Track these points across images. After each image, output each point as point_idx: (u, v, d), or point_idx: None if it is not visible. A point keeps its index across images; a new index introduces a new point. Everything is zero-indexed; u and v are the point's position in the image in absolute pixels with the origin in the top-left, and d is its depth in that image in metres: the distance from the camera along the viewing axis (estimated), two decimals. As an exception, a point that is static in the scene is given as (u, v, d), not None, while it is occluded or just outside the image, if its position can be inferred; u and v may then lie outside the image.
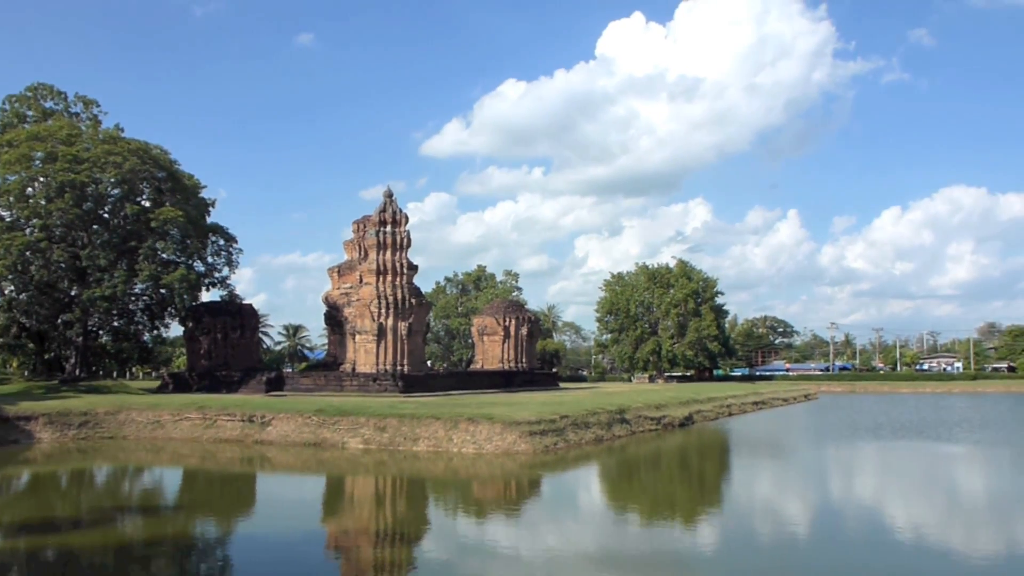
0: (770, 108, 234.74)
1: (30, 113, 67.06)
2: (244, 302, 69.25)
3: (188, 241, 62.72)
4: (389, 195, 62.77)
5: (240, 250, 69.63)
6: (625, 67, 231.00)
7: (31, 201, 58.16)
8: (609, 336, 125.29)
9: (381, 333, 58.85)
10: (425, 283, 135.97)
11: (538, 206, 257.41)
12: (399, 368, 58.50)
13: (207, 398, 47.04)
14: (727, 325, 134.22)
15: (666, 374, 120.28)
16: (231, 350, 64.81)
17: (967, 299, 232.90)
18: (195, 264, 65.04)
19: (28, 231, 57.58)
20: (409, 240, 61.78)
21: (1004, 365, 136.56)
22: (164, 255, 62.12)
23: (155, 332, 69.21)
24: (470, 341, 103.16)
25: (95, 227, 61.31)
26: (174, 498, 27.21)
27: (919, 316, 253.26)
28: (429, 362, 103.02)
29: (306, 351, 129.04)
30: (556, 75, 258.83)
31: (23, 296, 59.39)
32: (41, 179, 58.43)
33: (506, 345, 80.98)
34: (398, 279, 60.66)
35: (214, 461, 34.16)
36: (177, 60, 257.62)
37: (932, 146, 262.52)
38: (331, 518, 22.76)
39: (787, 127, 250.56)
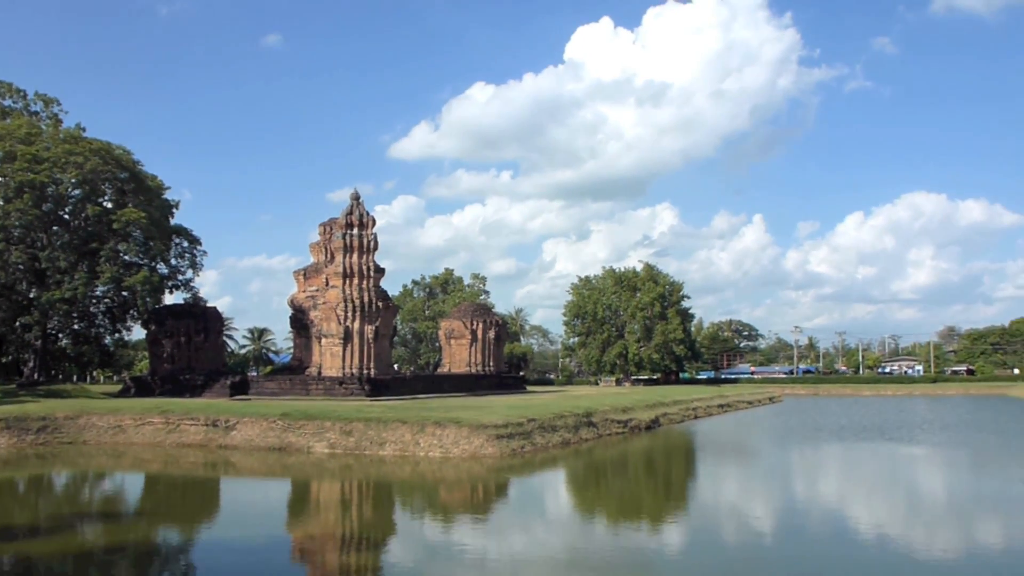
0: (736, 114, 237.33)
1: (-12, 111, 65.72)
2: (208, 305, 68.50)
3: (151, 243, 61.80)
4: (356, 197, 62.47)
5: (204, 252, 69.05)
6: (593, 72, 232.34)
7: (-12, 202, 57.02)
8: (576, 339, 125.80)
9: (347, 336, 58.49)
10: (392, 286, 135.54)
11: (506, 209, 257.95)
12: (365, 372, 58.17)
13: (170, 402, 46.36)
14: (693, 329, 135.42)
15: (632, 377, 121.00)
16: (195, 353, 63.98)
17: (927, 303, 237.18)
18: (158, 266, 64.16)
19: (-15, 232, 56.44)
20: (376, 243, 61.50)
21: (963, 368, 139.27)
22: (126, 257, 61.23)
23: (117, 335, 68.20)
24: (437, 344, 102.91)
25: (55, 228, 60.26)
26: (136, 504, 26.77)
27: (881, 320, 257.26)
28: (396, 366, 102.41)
29: (271, 355, 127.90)
30: (525, 79, 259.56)
31: (-21, 299, 58.18)
32: (-1, 179, 57.33)
33: (473, 348, 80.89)
34: (365, 282, 60.34)
35: (177, 466, 33.67)
36: (142, 59, 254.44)
37: (894, 153, 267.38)
38: (296, 524, 22.53)
39: (753, 133, 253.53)
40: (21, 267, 57.50)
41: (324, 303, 60.92)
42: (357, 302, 59.05)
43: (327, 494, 27.33)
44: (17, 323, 59.82)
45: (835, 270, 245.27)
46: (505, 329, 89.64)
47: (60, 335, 65.14)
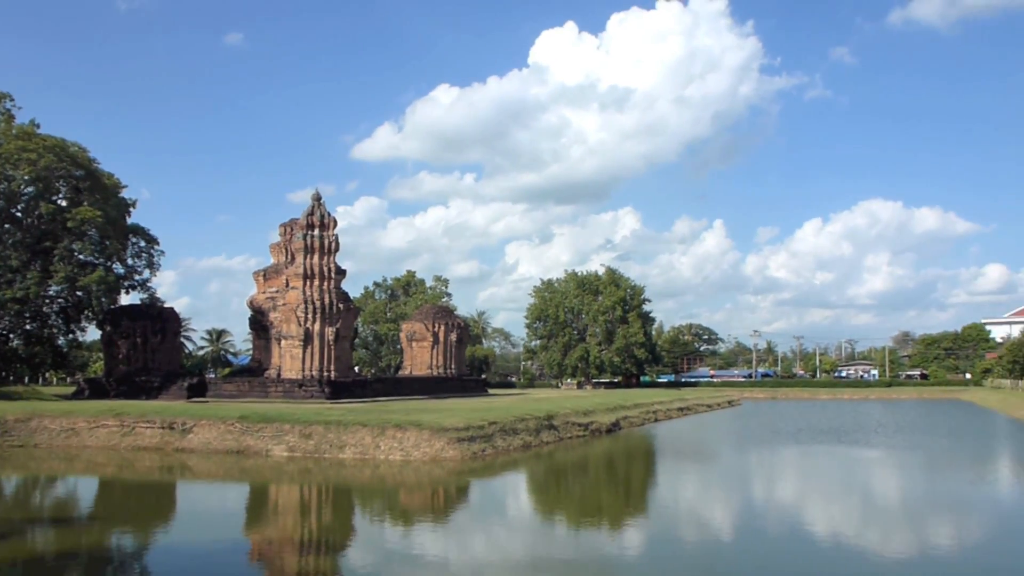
0: (698, 120, 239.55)
1: (-64, 106, 63.99)
2: (166, 305, 67.37)
3: (107, 242, 60.63)
4: (318, 198, 61.97)
5: (162, 252, 67.80)
6: (557, 76, 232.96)
7: (-63, 198, 55.58)
8: (538, 342, 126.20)
9: (308, 338, 57.98)
10: (354, 288, 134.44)
11: (469, 212, 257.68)
12: (326, 374, 57.71)
13: (125, 404, 45.50)
14: (654, 332, 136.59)
15: (594, 380, 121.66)
16: (151, 355, 62.91)
17: (883, 309, 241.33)
18: (114, 266, 62.95)
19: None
20: (337, 244, 61.07)
21: (917, 372, 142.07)
22: (81, 256, 59.98)
23: (71, 336, 66.68)
24: (399, 347, 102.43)
25: (7, 226, 58.85)
26: (89, 509, 26.22)
27: (838, 325, 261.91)
28: (357, 368, 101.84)
29: (230, 356, 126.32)
30: (489, 82, 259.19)
31: (-73, 297, 56.57)
32: (-52, 175, 55.88)
33: (435, 351, 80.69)
34: (326, 283, 59.87)
35: (132, 470, 33.07)
36: (99, 56, 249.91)
37: (852, 160, 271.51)
38: (254, 528, 22.25)
39: (714, 139, 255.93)
40: (-30, 266, 56.11)
41: (284, 304, 60.31)
42: (318, 304, 58.57)
43: (286, 498, 27.04)
44: (-34, 323, 58.39)
45: (793, 275, 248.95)
46: (467, 332, 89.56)
47: (11, 335, 63.57)
